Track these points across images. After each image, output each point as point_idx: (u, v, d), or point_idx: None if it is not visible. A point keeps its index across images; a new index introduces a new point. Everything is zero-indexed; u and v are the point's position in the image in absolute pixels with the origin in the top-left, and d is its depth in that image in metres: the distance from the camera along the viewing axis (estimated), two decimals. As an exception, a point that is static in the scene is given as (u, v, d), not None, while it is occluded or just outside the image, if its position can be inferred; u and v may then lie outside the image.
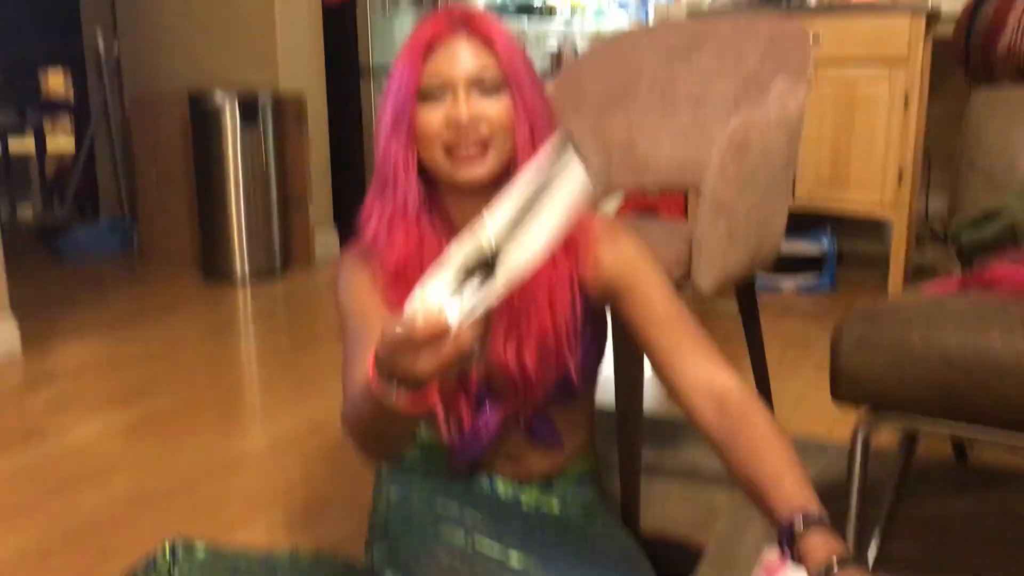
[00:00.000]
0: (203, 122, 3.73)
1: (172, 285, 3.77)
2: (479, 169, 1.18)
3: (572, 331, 1.25)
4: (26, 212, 5.75)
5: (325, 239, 4.09)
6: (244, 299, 3.61)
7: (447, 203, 1.25)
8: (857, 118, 3.28)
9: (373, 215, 1.24)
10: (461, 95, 1.16)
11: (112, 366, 2.81)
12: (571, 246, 1.22)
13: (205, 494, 1.94)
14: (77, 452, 2.16)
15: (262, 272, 3.82)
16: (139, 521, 1.82)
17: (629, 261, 1.24)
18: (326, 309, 3.52)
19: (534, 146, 1.17)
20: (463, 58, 1.17)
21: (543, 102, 1.22)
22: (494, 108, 1.17)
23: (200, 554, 1.44)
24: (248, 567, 1.41)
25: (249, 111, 3.69)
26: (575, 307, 1.24)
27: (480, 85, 1.17)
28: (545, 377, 1.26)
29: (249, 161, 3.74)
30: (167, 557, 1.45)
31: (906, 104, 3.21)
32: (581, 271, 1.24)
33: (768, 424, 1.13)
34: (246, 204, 3.77)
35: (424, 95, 1.17)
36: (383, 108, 1.21)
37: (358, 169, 4.29)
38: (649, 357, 1.22)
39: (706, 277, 1.66)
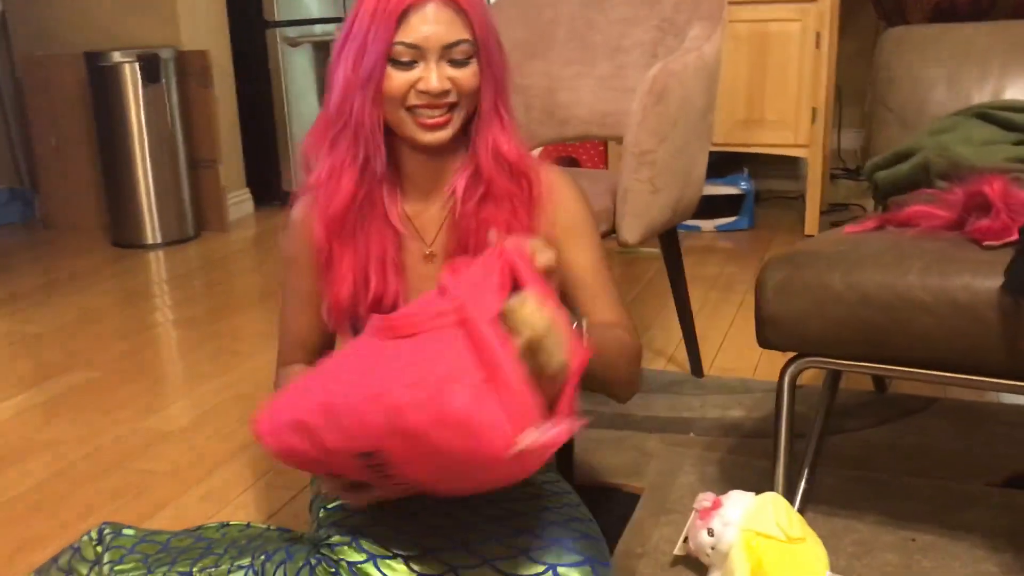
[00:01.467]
0: (102, 84, 3.56)
1: (80, 254, 3.64)
2: (441, 133, 1.20)
3: None
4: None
5: (238, 200, 3.99)
6: (157, 265, 3.50)
7: (400, 152, 1.26)
8: (770, 58, 3.31)
9: (322, 158, 1.25)
10: (432, 64, 1.17)
11: (22, 343, 2.70)
12: (526, 185, 1.25)
13: (131, 472, 1.89)
14: (-9, 436, 2.08)
15: (174, 237, 3.71)
16: (63, 504, 1.77)
17: (575, 218, 1.30)
18: (243, 273, 3.44)
19: (498, 112, 1.23)
20: (438, 26, 1.16)
21: (505, 63, 1.25)
22: (464, 75, 1.18)
23: (129, 534, 1.41)
24: (179, 543, 1.38)
25: (150, 71, 3.54)
26: None
27: (451, 55, 1.17)
28: None
29: (153, 123, 3.60)
30: (94, 540, 1.41)
31: (817, 42, 3.25)
32: (532, 212, 1.27)
33: (621, 334, 1.26)
34: (153, 167, 3.64)
35: (394, 58, 1.16)
36: (345, 54, 1.19)
37: (269, 128, 4.17)
38: (563, 301, 1.28)
39: (632, 230, 1.67)
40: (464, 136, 1.26)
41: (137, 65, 3.51)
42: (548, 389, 1.00)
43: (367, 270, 1.27)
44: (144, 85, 3.54)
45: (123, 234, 3.70)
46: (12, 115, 4.23)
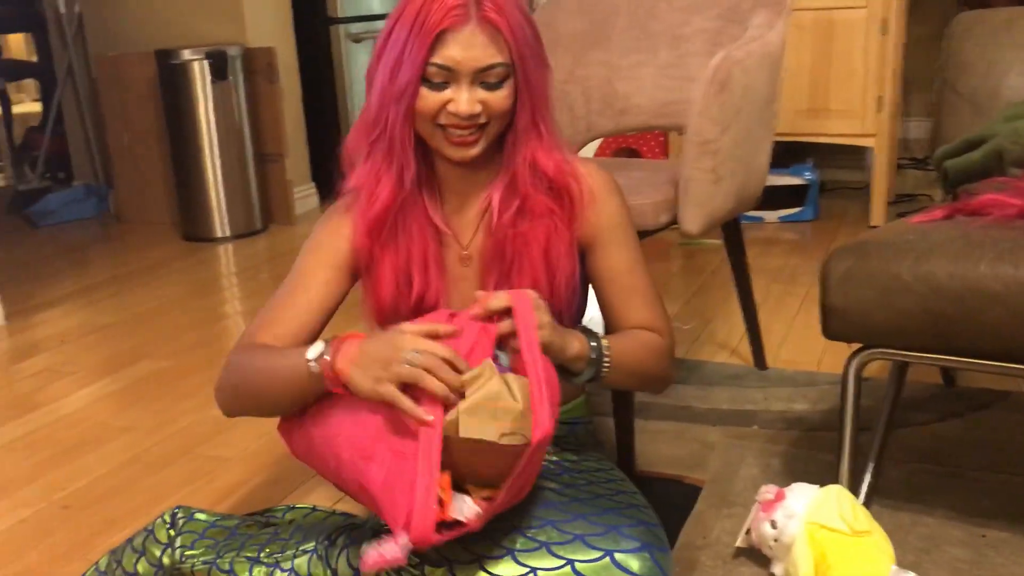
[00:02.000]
0: (172, 81, 3.65)
1: (152, 247, 3.74)
2: (471, 151, 1.21)
3: (568, 281, 1.27)
4: (-2, 180, 5.65)
5: (304, 195, 4.05)
6: (226, 258, 3.58)
7: (436, 159, 1.28)
8: (835, 46, 3.25)
9: (360, 161, 1.27)
10: (464, 87, 1.16)
11: (99, 333, 2.79)
12: (567, 200, 1.25)
13: (203, 457, 1.94)
14: (71, 422, 2.16)
15: (242, 231, 3.79)
16: (138, 488, 1.83)
17: (611, 222, 1.31)
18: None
19: (536, 126, 1.23)
20: (472, 50, 1.15)
21: (545, 80, 1.24)
22: (495, 98, 1.18)
23: (201, 519, 1.45)
24: (247, 529, 1.42)
25: (218, 68, 3.62)
26: (571, 256, 1.27)
27: (484, 78, 1.17)
28: None
29: (221, 119, 3.68)
30: (167, 523, 1.45)
31: (884, 29, 3.18)
32: (573, 225, 1.28)
33: (647, 334, 1.31)
34: (221, 162, 3.72)
35: (427, 78, 1.16)
36: (384, 61, 1.19)
37: (333, 122, 4.23)
38: (599, 300, 1.34)
39: (693, 220, 1.66)
40: (500, 146, 1.26)
41: (206, 62, 3.59)
42: (499, 461, 1.05)
43: (409, 269, 1.28)
44: (212, 82, 3.62)
45: (193, 228, 3.80)
46: (89, 113, 4.37)
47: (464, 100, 1.16)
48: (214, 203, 3.74)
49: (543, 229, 1.24)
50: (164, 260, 3.56)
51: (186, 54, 3.59)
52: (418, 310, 1.30)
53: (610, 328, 1.35)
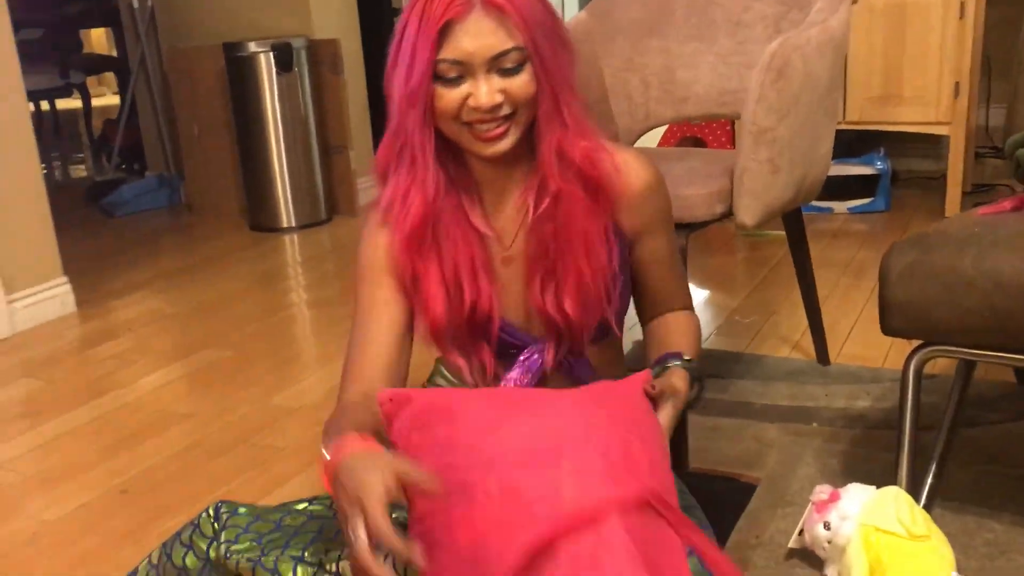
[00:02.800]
0: (239, 74, 3.71)
1: (221, 237, 3.81)
2: (501, 145, 1.16)
3: (608, 275, 1.24)
4: (78, 171, 5.83)
5: (368, 185, 4.08)
6: (292, 248, 3.63)
7: (470, 159, 1.24)
8: (909, 30, 3.14)
9: (390, 176, 1.23)
10: (481, 78, 1.11)
11: (167, 320, 2.85)
12: (602, 189, 1.22)
13: (259, 446, 1.97)
14: (135, 408, 2.21)
15: (308, 221, 3.83)
16: (194, 476, 1.86)
17: (652, 214, 1.28)
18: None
19: (559, 113, 1.17)
20: (481, 38, 1.10)
21: (567, 63, 1.18)
22: (515, 85, 1.13)
23: (243, 512, 1.46)
24: (292, 522, 1.42)
25: (284, 60, 3.66)
26: (610, 251, 1.24)
27: (500, 65, 1.12)
28: (587, 321, 1.27)
29: (287, 110, 3.72)
30: (211, 516, 1.47)
31: (962, 12, 3.06)
32: (615, 218, 1.25)
33: (685, 318, 1.35)
34: (287, 153, 3.77)
35: (440, 75, 1.12)
36: (398, 66, 1.16)
37: (398, 112, 4.24)
38: (637, 283, 1.34)
39: (749, 212, 1.61)
40: (529, 143, 1.21)
41: (271, 54, 3.64)
42: None
43: (458, 278, 1.24)
44: (278, 74, 3.66)
45: (260, 218, 3.86)
46: (160, 106, 4.47)
47: (483, 92, 1.11)
48: (280, 194, 3.79)
49: (581, 222, 1.21)
50: (231, 250, 3.62)
51: (252, 46, 3.64)
52: (472, 320, 1.27)
53: (643, 306, 1.37)
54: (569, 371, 1.34)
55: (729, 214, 1.67)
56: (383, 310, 1.27)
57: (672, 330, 1.34)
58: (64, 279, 2.92)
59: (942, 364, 1.96)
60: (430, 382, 1.45)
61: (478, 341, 1.29)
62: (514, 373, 1.33)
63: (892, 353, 2.14)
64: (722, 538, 1.46)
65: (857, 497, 1.34)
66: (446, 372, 1.42)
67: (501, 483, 0.92)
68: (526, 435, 0.97)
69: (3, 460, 1.99)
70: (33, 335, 2.75)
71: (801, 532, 1.42)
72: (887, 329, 1.36)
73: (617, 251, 1.26)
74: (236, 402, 2.19)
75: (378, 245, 1.27)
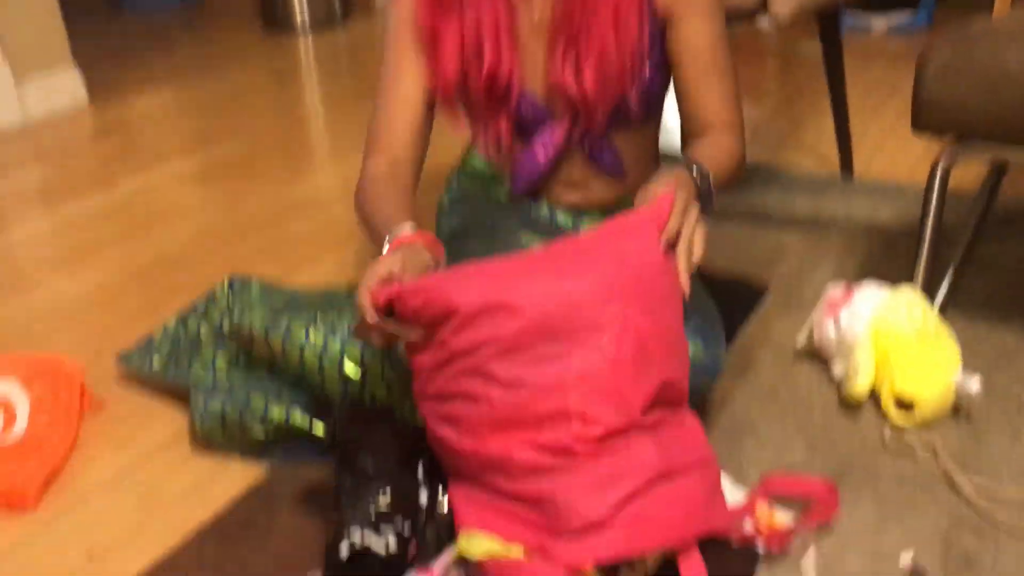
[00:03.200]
0: None
1: (234, 36, 3.70)
2: None
3: (636, 51, 1.19)
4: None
5: (387, -15, 3.92)
6: (305, 48, 3.52)
7: None
8: None
9: None
10: None
11: (178, 115, 2.80)
12: None
13: (271, 235, 1.97)
14: (147, 197, 2.20)
15: (322, 21, 3.71)
16: (207, 260, 1.87)
17: None
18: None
19: None
20: None
21: None
22: None
23: (255, 288, 1.48)
24: (305, 297, 1.43)
25: None
26: (641, 26, 1.18)
27: None
28: (606, 97, 1.22)
29: (302, -102, 3.53)
30: (226, 291, 1.48)
31: None
32: None
33: (727, 141, 1.22)
34: (302, -53, 3.61)
35: None
36: None
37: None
38: (676, 84, 1.25)
39: (783, 2, 1.52)
40: None
41: None
42: None
43: (479, 41, 1.20)
44: None
45: (274, 17, 3.73)
46: None
47: None
48: (295, -10, 3.66)
49: None
50: (245, 48, 3.52)
51: None
52: (491, 88, 1.23)
53: (684, 114, 1.28)
54: (592, 156, 1.31)
55: (763, 9, 1.59)
56: (407, 78, 1.25)
57: (702, 147, 1.22)
58: (74, 69, 2.86)
59: (968, 181, 1.91)
60: (464, 165, 1.43)
61: (496, 111, 1.26)
62: (532, 150, 1.30)
63: (919, 168, 2.09)
64: (729, 338, 1.46)
65: (870, 295, 1.33)
66: (476, 154, 1.40)
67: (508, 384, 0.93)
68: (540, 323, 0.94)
69: (18, 240, 2.00)
70: (45, 125, 2.72)
71: (810, 332, 1.42)
72: (918, 125, 1.31)
73: (649, 28, 1.19)
74: (249, 193, 2.18)
75: (405, 5, 1.24)
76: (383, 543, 0.97)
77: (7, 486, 1.23)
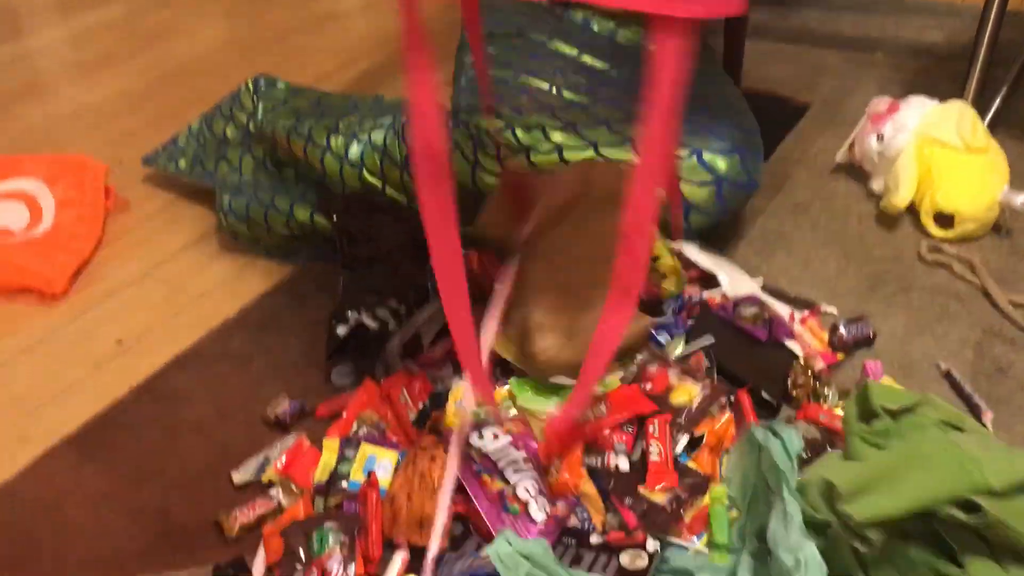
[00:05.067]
0: None
1: None
2: None
3: None
4: None
5: None
6: None
7: None
8: None
9: None
10: None
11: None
12: None
13: (296, 45, 1.91)
14: (167, 6, 2.13)
15: None
16: (230, 67, 1.82)
17: None
18: None
19: None
20: None
21: None
22: None
23: (281, 87, 1.44)
24: (329, 100, 1.40)
25: None
26: None
27: None
28: None
29: None
30: (251, 91, 1.45)
31: None
32: None
33: None
34: None
35: None
36: None
37: None
38: None
39: None
40: None
41: None
42: None
43: None
44: None
45: None
46: None
47: None
48: None
49: None
50: None
51: None
52: None
53: None
54: None
55: None
56: None
57: None
58: None
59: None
60: None
61: None
62: None
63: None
64: (767, 154, 1.42)
65: (917, 108, 1.28)
66: None
67: None
68: None
69: (38, 47, 1.96)
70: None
71: (851, 146, 1.37)
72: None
73: None
74: (274, 4, 2.11)
75: None
76: (378, 322, 0.98)
77: (37, 277, 1.23)
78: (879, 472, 0.74)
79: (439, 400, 0.97)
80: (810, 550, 0.72)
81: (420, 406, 0.98)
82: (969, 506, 0.70)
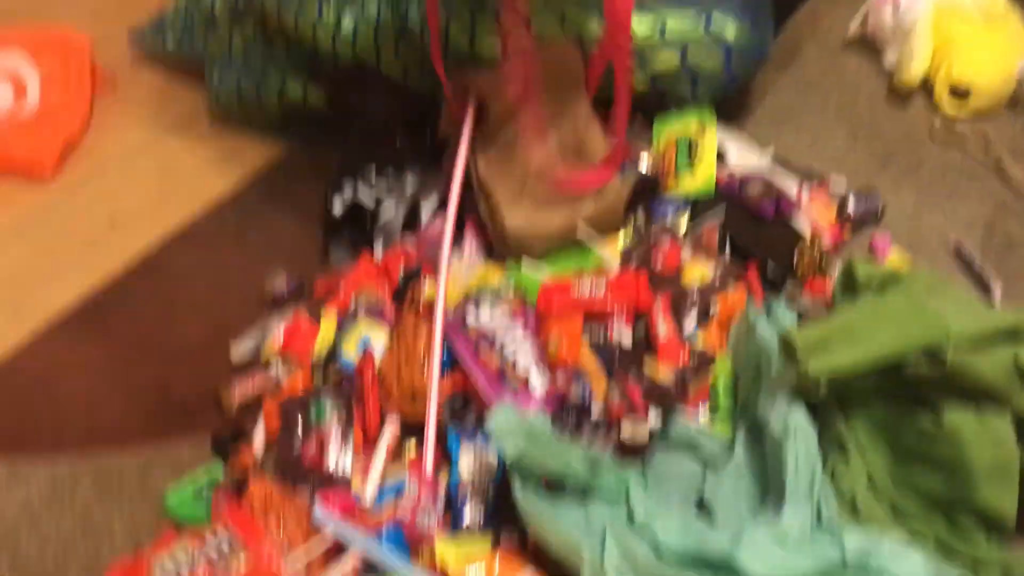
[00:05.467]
0: None
1: None
2: None
3: None
4: None
5: None
6: None
7: None
8: None
9: None
10: None
11: None
12: None
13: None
14: None
15: None
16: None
17: None
18: None
19: None
20: None
21: None
22: None
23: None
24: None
25: None
26: None
27: None
28: None
29: None
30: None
31: None
32: None
33: None
34: None
35: None
36: None
37: None
38: None
39: None
40: None
41: None
42: None
43: None
44: None
45: None
46: None
47: None
48: None
49: None
50: None
51: None
52: None
53: None
54: None
55: None
56: None
57: None
58: None
59: None
60: None
61: None
62: None
63: None
64: (777, 28, 1.36)
65: (935, -23, 1.22)
66: None
67: None
68: None
69: None
70: None
71: (864, 19, 1.32)
72: None
73: None
74: None
75: None
76: (373, 197, 0.96)
77: (25, 156, 1.20)
78: (839, 328, 0.74)
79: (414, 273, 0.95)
80: (798, 417, 0.72)
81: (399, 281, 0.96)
82: (936, 360, 0.70)
